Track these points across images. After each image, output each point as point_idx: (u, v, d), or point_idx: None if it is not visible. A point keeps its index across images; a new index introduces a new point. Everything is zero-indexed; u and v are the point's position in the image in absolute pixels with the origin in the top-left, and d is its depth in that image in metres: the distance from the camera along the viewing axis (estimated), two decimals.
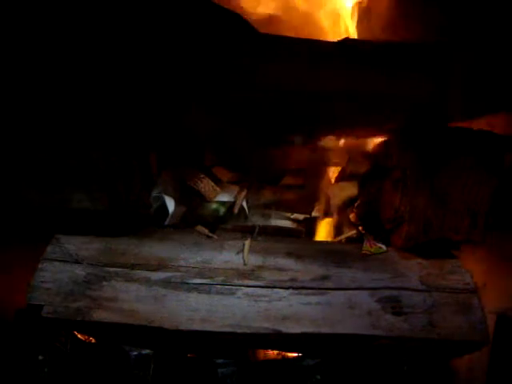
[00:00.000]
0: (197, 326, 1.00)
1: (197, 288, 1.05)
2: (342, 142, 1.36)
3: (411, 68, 1.16)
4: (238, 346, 1.08)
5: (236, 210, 1.29)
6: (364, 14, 1.38)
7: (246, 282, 1.06)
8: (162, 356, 1.04)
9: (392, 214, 1.15)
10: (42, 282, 1.03)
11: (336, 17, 1.44)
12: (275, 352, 1.14)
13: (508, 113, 1.24)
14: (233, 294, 1.05)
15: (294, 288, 1.06)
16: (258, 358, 1.14)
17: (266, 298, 1.04)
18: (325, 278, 1.08)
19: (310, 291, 1.06)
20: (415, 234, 1.10)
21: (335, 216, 1.33)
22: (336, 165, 1.39)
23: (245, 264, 1.10)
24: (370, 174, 1.29)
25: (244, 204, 1.30)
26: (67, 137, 1.09)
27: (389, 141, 1.24)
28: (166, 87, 1.15)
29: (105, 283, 1.05)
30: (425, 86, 1.15)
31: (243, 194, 1.31)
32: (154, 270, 1.07)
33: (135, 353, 1.02)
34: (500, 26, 1.16)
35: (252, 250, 1.13)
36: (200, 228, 1.21)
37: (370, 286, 1.07)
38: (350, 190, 1.31)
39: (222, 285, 1.06)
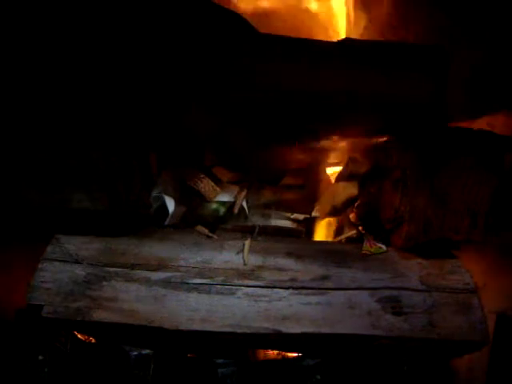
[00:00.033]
0: (197, 326, 1.00)
1: (197, 288, 1.05)
2: (342, 142, 1.36)
3: (411, 68, 1.16)
4: (238, 345, 1.08)
5: (236, 210, 1.29)
6: (364, 14, 1.38)
7: (246, 281, 1.06)
8: (162, 356, 1.04)
9: (392, 214, 1.15)
10: (42, 282, 1.03)
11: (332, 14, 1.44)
12: (275, 352, 1.14)
13: (509, 112, 1.24)
14: (233, 293, 1.05)
15: (294, 288, 1.06)
16: (258, 358, 1.14)
17: (266, 298, 1.04)
18: (325, 278, 1.08)
19: (310, 291, 1.06)
20: (415, 234, 1.10)
21: (335, 216, 1.33)
22: (336, 165, 1.40)
23: (245, 264, 1.10)
24: (369, 174, 1.29)
25: (244, 204, 1.30)
26: (67, 137, 1.09)
27: (389, 141, 1.24)
28: (166, 87, 1.15)
29: (105, 283, 1.05)
30: (425, 85, 1.15)
31: (243, 194, 1.31)
32: (153, 270, 1.07)
33: (135, 353, 1.02)
34: (501, 26, 1.16)
35: (252, 250, 1.13)
36: (200, 228, 1.21)
37: (370, 286, 1.07)
38: (350, 189, 1.31)
39: (221, 285, 1.06)
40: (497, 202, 1.10)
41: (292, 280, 1.07)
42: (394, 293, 1.06)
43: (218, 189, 1.28)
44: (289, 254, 1.13)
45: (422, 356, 1.06)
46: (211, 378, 1.04)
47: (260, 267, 1.09)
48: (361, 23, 1.39)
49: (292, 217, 1.32)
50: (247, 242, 1.15)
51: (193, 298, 1.03)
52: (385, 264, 1.12)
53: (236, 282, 1.06)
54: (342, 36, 1.40)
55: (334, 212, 1.33)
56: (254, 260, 1.11)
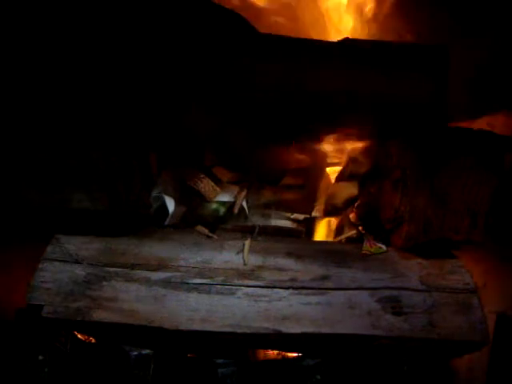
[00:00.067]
0: (197, 326, 1.00)
1: (197, 288, 1.05)
2: (341, 142, 1.36)
3: (411, 68, 1.16)
4: (238, 345, 1.08)
5: (236, 210, 1.29)
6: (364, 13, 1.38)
7: (246, 281, 1.06)
8: (162, 356, 1.05)
9: (392, 214, 1.15)
10: (42, 281, 1.03)
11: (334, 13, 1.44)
12: (275, 352, 1.14)
13: (509, 112, 1.24)
14: (233, 293, 1.05)
15: (294, 288, 1.06)
16: (258, 358, 1.14)
17: (266, 298, 1.04)
18: (325, 278, 1.08)
19: (310, 291, 1.06)
20: (415, 234, 1.10)
21: (335, 216, 1.33)
22: (336, 165, 1.40)
23: (245, 264, 1.10)
24: (369, 174, 1.29)
25: (244, 204, 1.30)
26: (67, 137, 1.09)
27: (389, 141, 1.24)
28: (166, 87, 1.15)
29: (105, 283, 1.05)
30: (425, 86, 1.16)
31: (243, 194, 1.31)
32: (154, 270, 1.07)
33: (135, 353, 1.02)
34: (503, 26, 1.16)
35: (252, 250, 1.13)
36: (200, 228, 1.21)
37: (370, 286, 1.07)
38: (350, 189, 1.31)
39: (222, 285, 1.06)
40: (497, 202, 1.10)
41: (292, 280, 1.07)
42: (394, 293, 1.06)
43: (217, 189, 1.28)
44: (289, 254, 1.13)
45: (422, 356, 1.06)
46: (211, 378, 1.04)
47: (260, 267, 1.09)
48: (357, 24, 1.39)
49: (292, 217, 1.32)
50: (247, 242, 1.15)
51: (193, 298, 1.03)
52: (385, 264, 1.12)
53: (236, 281, 1.06)
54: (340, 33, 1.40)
55: (334, 212, 1.33)
56: (254, 260, 1.11)
